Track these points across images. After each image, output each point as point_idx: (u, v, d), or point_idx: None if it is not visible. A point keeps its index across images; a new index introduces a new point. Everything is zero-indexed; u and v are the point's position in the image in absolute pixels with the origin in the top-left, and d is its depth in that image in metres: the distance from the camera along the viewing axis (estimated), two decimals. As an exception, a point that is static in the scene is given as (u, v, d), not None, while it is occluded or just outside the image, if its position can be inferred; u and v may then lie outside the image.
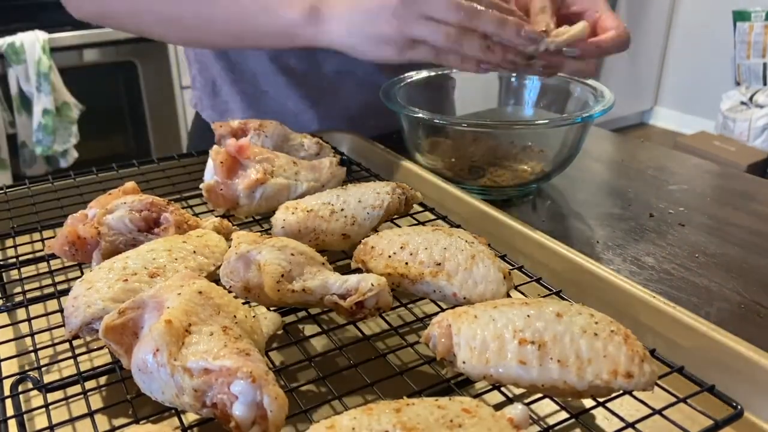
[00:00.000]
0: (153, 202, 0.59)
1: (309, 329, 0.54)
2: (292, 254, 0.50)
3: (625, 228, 0.76)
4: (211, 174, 0.67)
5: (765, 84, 3.52)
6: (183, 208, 0.62)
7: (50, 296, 0.57)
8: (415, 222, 0.68)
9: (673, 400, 0.42)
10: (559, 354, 0.41)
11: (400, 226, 0.61)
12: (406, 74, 0.91)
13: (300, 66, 0.99)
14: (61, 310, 0.52)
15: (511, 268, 0.56)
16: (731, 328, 0.49)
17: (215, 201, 0.67)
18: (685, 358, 0.46)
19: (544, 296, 0.53)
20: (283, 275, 0.49)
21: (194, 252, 0.53)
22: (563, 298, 0.52)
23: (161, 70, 2.57)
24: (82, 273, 0.58)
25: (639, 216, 0.79)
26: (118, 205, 0.58)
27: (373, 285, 0.48)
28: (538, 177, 0.83)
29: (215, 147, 0.68)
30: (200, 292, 0.43)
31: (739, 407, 0.42)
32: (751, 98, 3.45)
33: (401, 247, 0.53)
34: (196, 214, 0.68)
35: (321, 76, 1.00)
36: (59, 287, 0.57)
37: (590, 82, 0.86)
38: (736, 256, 0.69)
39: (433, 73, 0.94)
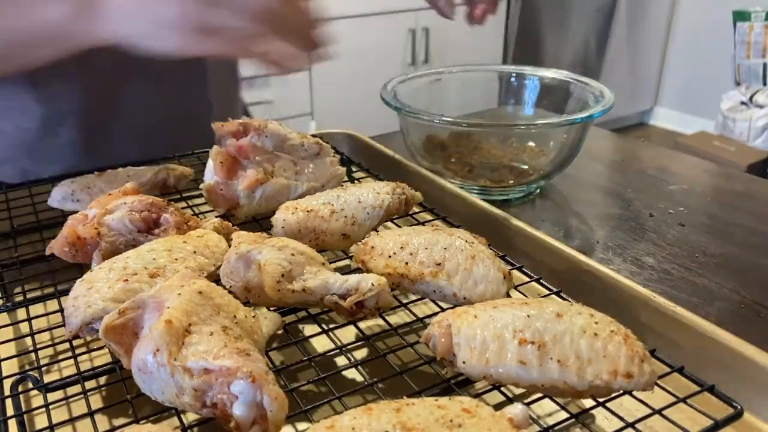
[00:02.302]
0: (153, 203, 0.59)
1: (309, 329, 0.54)
2: (293, 254, 0.50)
3: (625, 228, 0.76)
4: (211, 174, 0.67)
5: (765, 84, 3.52)
6: (183, 208, 0.62)
7: (50, 296, 0.56)
8: (415, 222, 0.68)
9: (673, 400, 0.42)
10: (559, 354, 0.41)
11: (400, 226, 0.61)
12: (405, 74, 0.91)
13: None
14: (61, 310, 0.52)
15: (511, 268, 0.56)
16: (731, 328, 0.49)
17: (215, 201, 0.67)
18: (685, 358, 0.46)
19: (544, 296, 0.53)
20: (283, 275, 0.49)
21: (194, 252, 0.53)
22: (563, 298, 0.52)
23: (161, 70, 2.56)
24: (82, 273, 0.58)
25: (639, 216, 0.79)
26: (118, 205, 0.58)
27: (373, 285, 0.48)
28: (538, 177, 0.83)
29: (215, 147, 0.68)
30: (200, 292, 0.43)
31: (739, 407, 0.42)
32: (751, 98, 3.45)
33: (401, 247, 0.53)
34: (196, 214, 0.68)
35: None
36: (59, 287, 0.57)
37: (590, 82, 0.87)
38: (736, 256, 0.69)
39: (433, 73, 0.94)
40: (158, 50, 0.61)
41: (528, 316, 0.43)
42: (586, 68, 3.76)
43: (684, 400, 0.42)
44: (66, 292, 0.53)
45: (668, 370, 0.45)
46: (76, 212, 0.60)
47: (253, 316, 0.46)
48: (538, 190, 0.86)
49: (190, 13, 0.59)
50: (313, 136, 0.82)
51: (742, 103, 3.48)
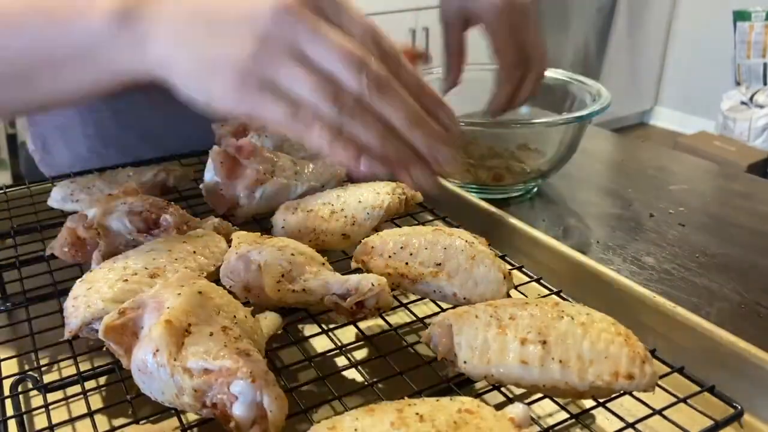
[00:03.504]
0: (153, 203, 0.59)
1: (309, 329, 0.54)
2: (293, 254, 0.50)
3: (625, 228, 0.76)
4: (211, 174, 0.67)
5: (765, 84, 3.52)
6: (183, 208, 0.62)
7: (50, 296, 0.56)
8: (415, 222, 0.68)
9: (673, 400, 0.42)
10: (560, 354, 0.41)
11: (400, 226, 0.61)
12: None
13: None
14: (61, 310, 0.52)
15: (511, 268, 0.56)
16: (731, 328, 0.49)
17: (215, 201, 0.67)
18: (685, 358, 0.46)
19: (544, 296, 0.53)
20: (283, 275, 0.49)
21: (194, 252, 0.53)
22: (563, 298, 0.52)
23: (161, 70, 2.56)
24: (82, 273, 0.58)
25: (639, 216, 0.79)
26: (118, 205, 0.58)
27: (373, 285, 0.48)
28: (535, 176, 0.83)
29: (215, 147, 0.68)
30: (200, 293, 0.43)
31: (739, 407, 0.42)
32: (751, 98, 3.45)
33: (401, 247, 0.53)
34: (196, 215, 0.68)
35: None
36: (59, 287, 0.57)
37: (588, 81, 0.87)
38: (736, 256, 0.69)
39: (432, 73, 0.94)
40: (195, 95, 0.44)
41: (529, 316, 0.43)
42: (586, 68, 3.76)
43: (684, 401, 0.42)
44: (66, 292, 0.53)
45: (668, 370, 0.45)
46: (76, 212, 0.60)
47: (253, 316, 0.46)
48: (536, 190, 0.86)
49: (262, 62, 0.41)
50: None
51: (743, 103, 3.48)
